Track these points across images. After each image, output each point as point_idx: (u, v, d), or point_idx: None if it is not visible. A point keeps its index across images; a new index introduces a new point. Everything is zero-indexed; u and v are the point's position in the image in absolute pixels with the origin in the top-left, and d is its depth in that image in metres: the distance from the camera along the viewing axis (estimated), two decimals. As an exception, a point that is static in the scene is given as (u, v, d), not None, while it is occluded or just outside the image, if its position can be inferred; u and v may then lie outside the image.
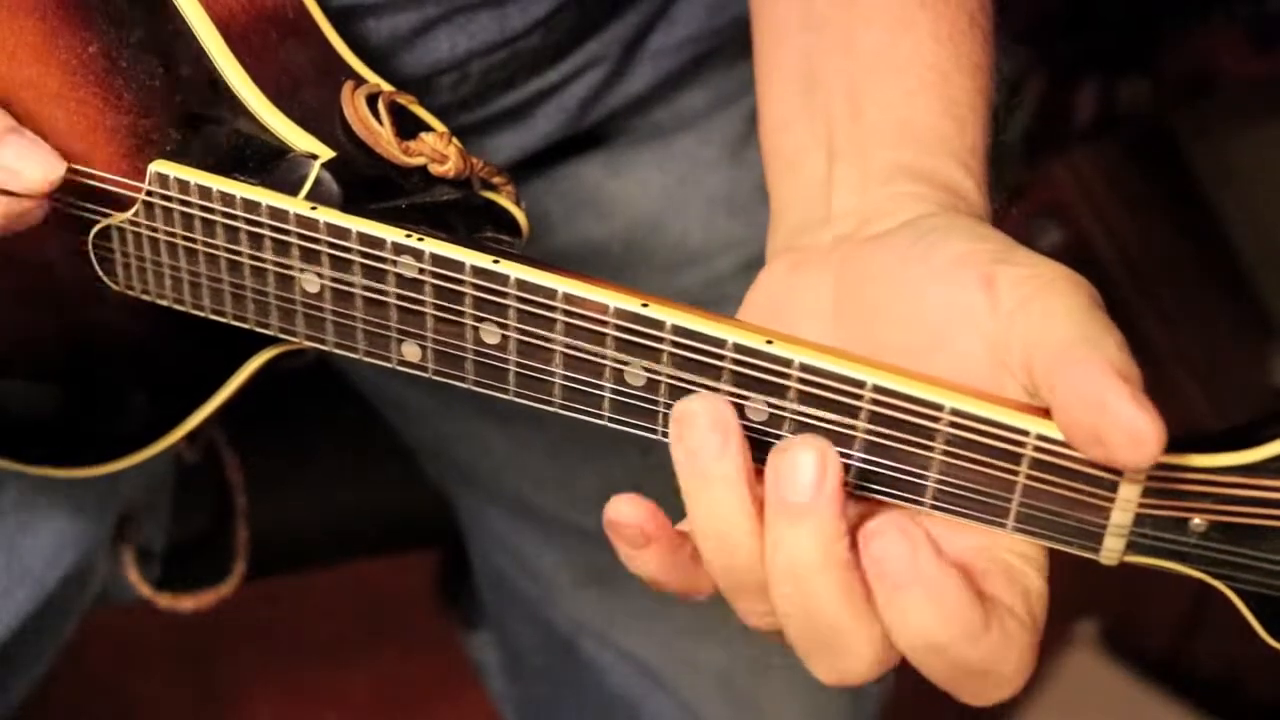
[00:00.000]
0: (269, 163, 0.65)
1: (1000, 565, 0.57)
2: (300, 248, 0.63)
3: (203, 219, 0.65)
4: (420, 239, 0.61)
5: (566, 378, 0.61)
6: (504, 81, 0.87)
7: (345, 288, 0.63)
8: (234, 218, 0.64)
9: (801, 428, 0.57)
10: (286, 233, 0.63)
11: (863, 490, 0.58)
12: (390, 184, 0.66)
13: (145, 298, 0.69)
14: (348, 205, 0.63)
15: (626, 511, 0.58)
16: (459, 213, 0.68)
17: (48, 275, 0.72)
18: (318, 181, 0.64)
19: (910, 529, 0.53)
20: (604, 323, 0.59)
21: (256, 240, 0.64)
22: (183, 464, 1.03)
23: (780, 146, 0.71)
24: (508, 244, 0.70)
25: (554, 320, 0.59)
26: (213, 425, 0.98)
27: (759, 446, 0.57)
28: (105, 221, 0.68)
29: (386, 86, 0.69)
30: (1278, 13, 1.49)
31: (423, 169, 0.67)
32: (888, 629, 0.55)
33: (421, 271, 0.61)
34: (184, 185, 0.65)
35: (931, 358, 0.58)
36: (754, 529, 0.56)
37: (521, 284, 0.59)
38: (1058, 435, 0.54)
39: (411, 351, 0.63)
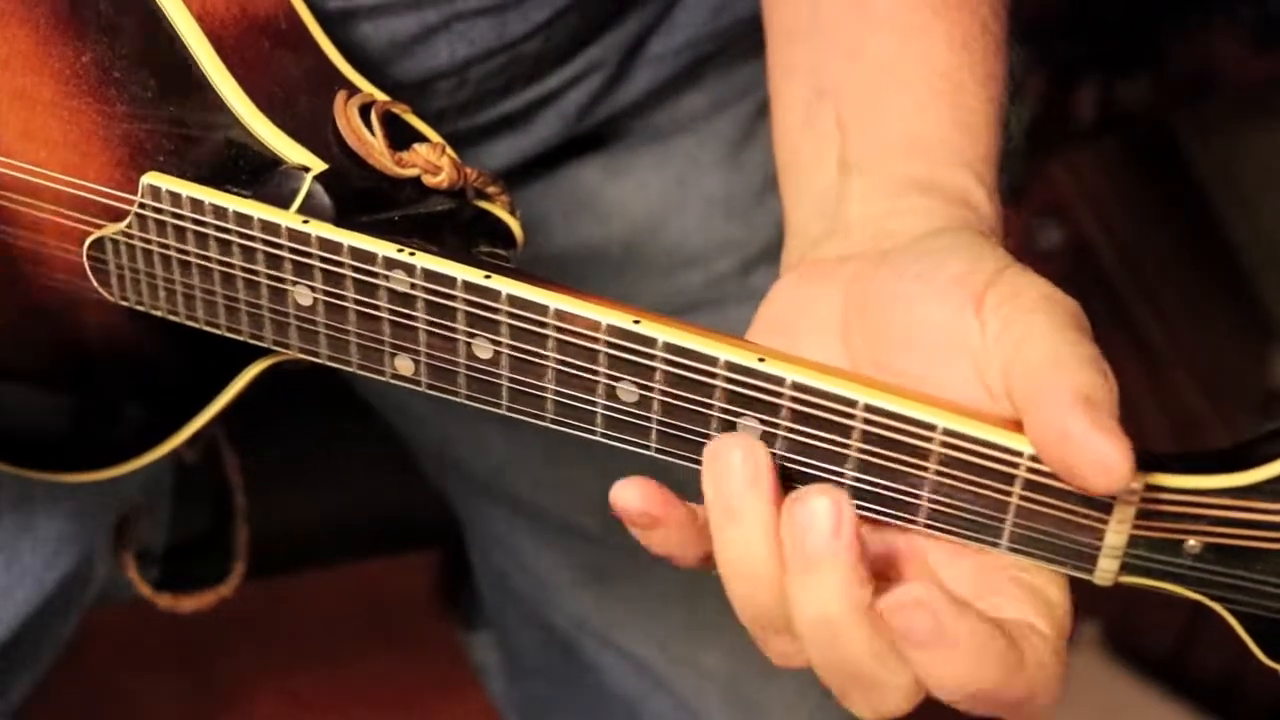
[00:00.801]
0: (261, 174, 0.65)
1: (1019, 582, 0.57)
2: (293, 261, 0.63)
3: (195, 231, 0.65)
4: (412, 253, 0.60)
5: (559, 393, 0.60)
6: (503, 87, 0.87)
7: (338, 301, 0.63)
8: (226, 231, 0.64)
9: (794, 446, 0.57)
10: (279, 246, 0.63)
11: (856, 510, 0.58)
12: (383, 195, 0.66)
13: (140, 309, 0.69)
14: (340, 218, 0.63)
15: (629, 496, 0.58)
16: (453, 224, 0.68)
17: (45, 285, 0.72)
18: (310, 194, 0.64)
19: (926, 597, 0.53)
20: (596, 339, 0.58)
21: (249, 253, 0.64)
22: (183, 464, 1.02)
23: (793, 156, 0.71)
24: (502, 257, 0.70)
25: (546, 336, 0.59)
26: (213, 426, 0.98)
27: None
28: (99, 232, 0.68)
29: (380, 96, 0.69)
30: (1278, 13, 1.49)
31: (416, 180, 0.67)
32: (928, 684, 0.55)
33: (413, 286, 0.61)
34: (176, 198, 0.64)
35: (929, 381, 0.58)
36: (775, 569, 0.56)
37: (513, 299, 0.59)
38: (1053, 456, 0.54)
39: (405, 365, 0.63)
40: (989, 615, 0.55)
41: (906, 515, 0.57)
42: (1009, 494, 0.55)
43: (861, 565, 0.54)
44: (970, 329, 0.57)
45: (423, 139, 0.68)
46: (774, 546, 0.56)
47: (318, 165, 0.65)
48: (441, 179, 0.67)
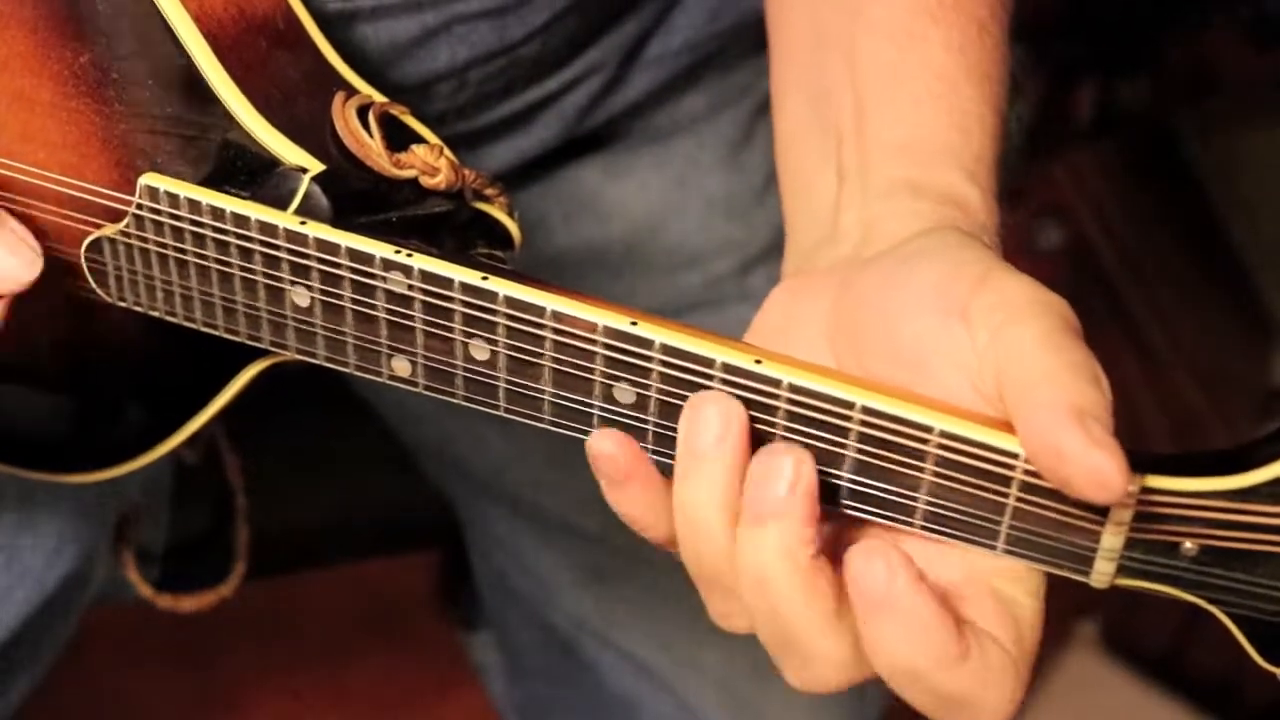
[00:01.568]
0: (259, 175, 0.65)
1: (989, 592, 0.57)
2: (290, 262, 0.63)
3: (193, 232, 0.65)
4: (409, 255, 0.60)
5: (556, 395, 0.61)
6: (502, 90, 0.87)
7: (335, 302, 0.63)
8: (224, 232, 0.64)
9: (791, 447, 0.57)
10: (276, 247, 0.63)
11: (853, 510, 0.58)
12: (381, 196, 0.66)
13: (138, 310, 0.69)
14: (338, 219, 0.63)
15: (607, 445, 0.59)
16: (450, 225, 0.68)
17: (45, 285, 0.72)
18: (307, 195, 0.64)
19: (890, 553, 0.54)
20: (593, 341, 0.58)
21: (246, 254, 0.64)
22: (183, 464, 1.02)
23: (793, 164, 0.71)
24: (499, 259, 0.70)
25: (543, 338, 0.59)
26: (213, 426, 0.98)
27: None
28: (97, 233, 0.68)
29: (379, 97, 0.69)
30: (1278, 13, 1.49)
31: (414, 181, 0.67)
32: (865, 649, 0.55)
33: (410, 287, 0.61)
34: (174, 199, 0.64)
35: (916, 389, 0.58)
36: (727, 525, 0.57)
37: (510, 301, 0.59)
38: (1049, 457, 0.54)
39: (402, 366, 0.63)
40: (953, 609, 0.55)
41: (903, 517, 0.57)
42: (1005, 496, 0.55)
43: (810, 527, 0.55)
44: (958, 339, 0.57)
45: (421, 140, 0.68)
46: (730, 500, 0.57)
47: (315, 166, 0.65)
48: (439, 180, 0.67)
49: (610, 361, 0.59)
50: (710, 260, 1.01)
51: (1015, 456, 0.54)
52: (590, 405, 0.60)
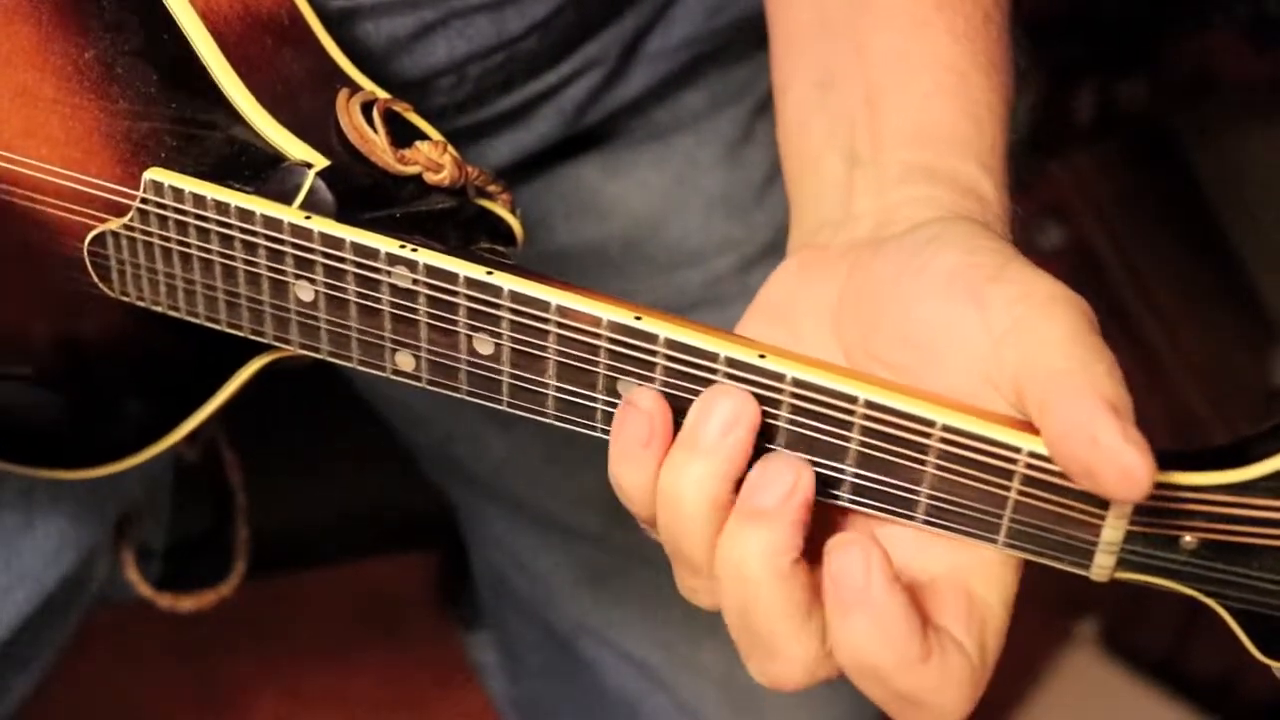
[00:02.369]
0: (264, 170, 0.65)
1: (962, 595, 0.58)
2: (294, 257, 0.63)
3: (197, 227, 0.65)
4: (414, 250, 0.61)
5: (560, 389, 0.61)
6: (501, 84, 0.87)
7: (339, 297, 0.63)
8: (228, 226, 0.64)
9: (795, 441, 0.57)
10: (281, 242, 0.63)
11: (855, 505, 0.58)
12: (385, 192, 0.66)
13: (141, 304, 0.69)
14: (342, 214, 0.63)
15: (646, 400, 0.58)
16: (454, 221, 0.68)
17: (45, 280, 0.72)
18: (312, 190, 0.64)
19: (870, 550, 0.54)
20: (597, 335, 0.59)
21: (251, 249, 0.64)
22: (183, 464, 1.03)
23: (800, 149, 0.71)
24: (502, 254, 0.70)
25: (547, 332, 0.59)
26: (213, 425, 0.98)
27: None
28: (101, 228, 0.68)
29: (382, 94, 0.69)
30: (1278, 14, 1.49)
31: (417, 177, 0.67)
32: (831, 643, 0.56)
33: (415, 282, 0.61)
34: (178, 193, 0.65)
35: (922, 374, 0.58)
36: (709, 516, 0.57)
37: (515, 295, 0.59)
38: (1049, 451, 0.54)
39: (406, 361, 0.63)
40: (923, 608, 0.56)
41: (905, 511, 0.57)
42: (1007, 489, 0.55)
43: (796, 536, 0.55)
44: (970, 325, 0.57)
45: (424, 137, 0.68)
46: (721, 495, 0.57)
47: (320, 162, 0.65)
48: (443, 176, 0.67)
49: (614, 356, 0.59)
50: (710, 259, 1.01)
51: (1018, 450, 0.54)
52: (594, 399, 0.60)
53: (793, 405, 0.57)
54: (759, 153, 1.01)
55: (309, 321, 0.65)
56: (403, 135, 0.68)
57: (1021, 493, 0.55)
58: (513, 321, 0.60)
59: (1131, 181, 1.67)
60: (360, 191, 0.65)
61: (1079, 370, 0.53)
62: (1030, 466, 0.54)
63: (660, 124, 0.99)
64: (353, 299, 0.63)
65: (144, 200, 0.66)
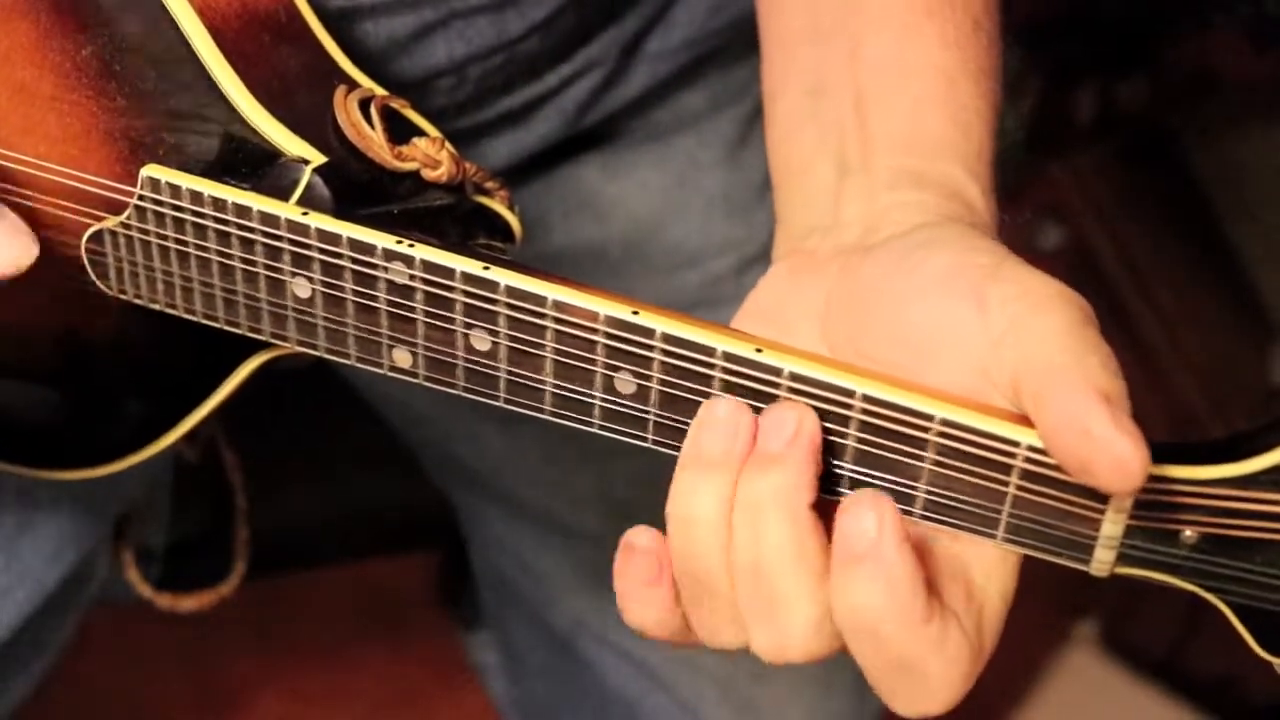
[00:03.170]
0: (261, 167, 0.65)
1: (963, 581, 0.57)
2: (291, 253, 0.63)
3: (194, 223, 0.65)
4: (411, 245, 0.61)
5: (557, 385, 0.61)
6: (501, 85, 0.87)
7: (336, 293, 0.63)
8: (225, 223, 0.64)
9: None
10: (278, 238, 0.63)
11: (853, 499, 0.58)
12: (382, 189, 0.66)
13: (138, 302, 0.69)
14: (339, 210, 0.63)
15: (644, 540, 0.59)
16: (451, 218, 0.68)
17: (43, 278, 0.72)
18: (309, 186, 0.64)
19: (884, 507, 0.54)
20: (594, 330, 0.58)
21: (248, 245, 0.64)
22: (182, 464, 1.02)
23: (789, 155, 0.71)
24: (499, 250, 0.70)
25: (544, 327, 0.59)
26: (213, 425, 0.98)
27: None
28: (98, 225, 0.68)
29: (380, 91, 0.69)
30: (1278, 14, 1.49)
31: (415, 174, 0.67)
32: (833, 599, 0.55)
33: (412, 278, 0.61)
34: (175, 190, 0.65)
35: (915, 372, 0.58)
36: (723, 521, 0.57)
37: (511, 291, 0.59)
38: (1048, 446, 0.54)
39: (402, 357, 0.63)
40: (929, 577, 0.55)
41: (903, 506, 0.57)
42: (1006, 484, 0.55)
43: (807, 473, 0.55)
44: (967, 323, 0.57)
45: (422, 133, 0.68)
46: (727, 497, 0.57)
47: (317, 158, 0.65)
48: (440, 173, 0.67)
49: (611, 351, 0.59)
50: (709, 259, 1.01)
51: (1016, 444, 0.54)
52: (591, 396, 0.60)
53: (790, 401, 0.57)
54: (759, 154, 1.00)
55: (306, 318, 0.65)
56: (400, 132, 0.68)
57: (1020, 487, 0.55)
58: (509, 317, 0.60)
59: (1131, 182, 1.67)
60: (357, 187, 0.65)
61: (1073, 364, 0.53)
62: (1029, 461, 0.54)
63: (660, 125, 0.99)
64: (350, 295, 0.63)
65: (141, 197, 0.66)
